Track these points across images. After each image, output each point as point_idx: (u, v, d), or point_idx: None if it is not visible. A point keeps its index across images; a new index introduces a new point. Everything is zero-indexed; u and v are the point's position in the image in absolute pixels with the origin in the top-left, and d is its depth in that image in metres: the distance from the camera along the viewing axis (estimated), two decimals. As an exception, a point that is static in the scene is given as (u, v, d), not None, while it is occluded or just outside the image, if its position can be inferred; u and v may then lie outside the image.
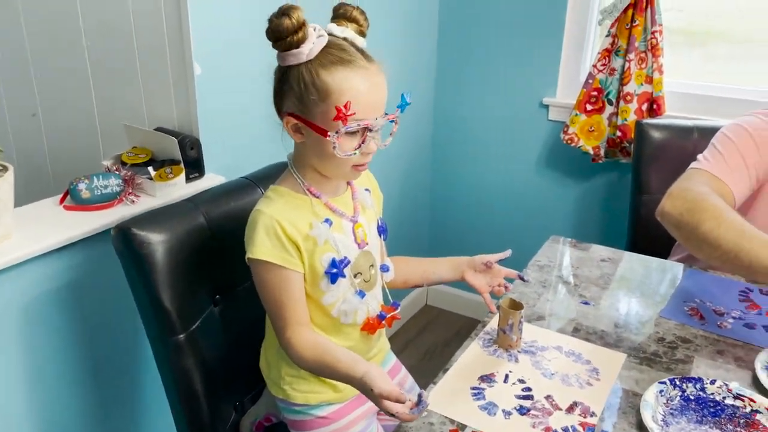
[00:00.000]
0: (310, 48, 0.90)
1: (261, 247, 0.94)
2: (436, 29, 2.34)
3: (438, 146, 2.51)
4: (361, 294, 1.04)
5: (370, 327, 1.04)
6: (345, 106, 0.88)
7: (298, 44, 0.89)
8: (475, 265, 1.15)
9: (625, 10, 1.90)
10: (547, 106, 2.23)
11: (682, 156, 1.65)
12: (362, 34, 0.97)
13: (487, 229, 2.52)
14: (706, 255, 1.13)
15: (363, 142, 0.93)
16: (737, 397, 0.93)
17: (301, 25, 0.88)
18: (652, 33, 1.89)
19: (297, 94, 0.92)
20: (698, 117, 1.90)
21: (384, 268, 1.11)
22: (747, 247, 1.02)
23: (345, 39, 0.93)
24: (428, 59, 2.36)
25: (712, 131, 1.65)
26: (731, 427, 0.89)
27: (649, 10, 1.88)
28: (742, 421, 0.90)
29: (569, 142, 2.08)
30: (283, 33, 0.88)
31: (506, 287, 1.14)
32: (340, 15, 0.96)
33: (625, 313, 1.19)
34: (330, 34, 0.93)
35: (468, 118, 2.41)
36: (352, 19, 0.96)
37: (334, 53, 0.91)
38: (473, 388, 0.96)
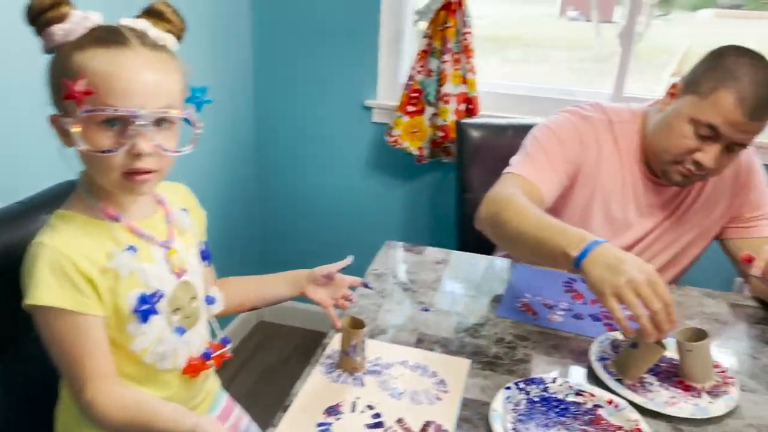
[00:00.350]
0: (70, 28, 0.74)
1: (44, 289, 0.76)
2: (249, 32, 2.20)
3: (263, 154, 2.37)
4: (181, 331, 0.89)
5: (193, 369, 0.90)
6: (77, 83, 0.72)
7: (51, 22, 0.74)
8: (316, 278, 1.06)
9: (438, 12, 1.92)
10: (369, 108, 2.20)
11: (501, 153, 1.70)
12: (177, 36, 0.82)
13: (322, 238, 2.44)
14: (517, 252, 1.18)
15: (125, 139, 0.76)
16: (578, 393, 0.94)
17: (58, 3, 0.73)
18: (464, 35, 1.94)
19: (53, 85, 0.76)
20: (510, 115, 1.99)
21: (210, 300, 0.97)
22: (546, 236, 1.05)
23: (133, 30, 0.78)
24: (243, 64, 2.21)
25: (524, 128, 1.71)
26: (577, 425, 0.89)
27: (459, 12, 1.92)
28: (586, 417, 0.90)
29: (394, 143, 2.06)
30: (36, 9, 0.73)
31: (350, 299, 1.07)
32: (150, 14, 0.81)
33: (464, 316, 1.17)
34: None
35: (291, 124, 2.31)
36: (165, 20, 0.81)
37: (96, 34, 0.76)
38: (319, 425, 0.86)
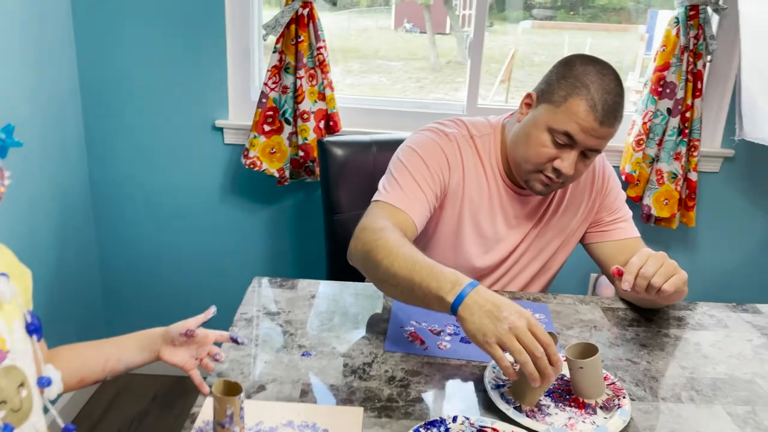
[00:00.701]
0: None
1: None
2: (73, 56, 1.94)
3: (99, 193, 2.11)
4: (8, 429, 0.70)
5: (27, 478, 0.71)
6: None
7: None
8: (172, 337, 0.91)
9: (288, 26, 1.82)
10: (221, 129, 2.04)
11: (366, 171, 1.65)
12: None
13: (178, 283, 2.22)
14: (392, 294, 1.10)
15: None
16: (481, 430, 0.89)
17: None
18: (318, 49, 1.85)
19: None
20: (371, 130, 1.94)
21: (44, 382, 0.78)
22: (417, 279, 1.00)
23: None
24: (70, 95, 1.94)
25: (388, 144, 1.68)
26: (486, 469, 0.83)
27: (311, 25, 1.83)
28: (494, 459, 0.85)
29: (252, 166, 1.92)
30: None
31: (218, 358, 0.93)
32: None
33: (349, 356, 1.07)
34: None
35: (131, 154, 2.07)
36: None
37: None
38: None
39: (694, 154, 1.91)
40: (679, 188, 1.94)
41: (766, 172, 2.10)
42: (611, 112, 1.16)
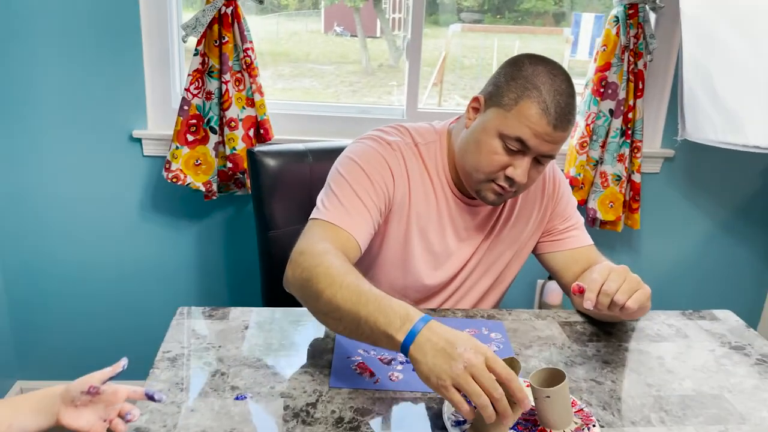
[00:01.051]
0: None
1: None
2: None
3: (6, 210, 1.89)
4: None
5: None
6: None
7: None
8: (73, 397, 0.76)
9: (211, 26, 1.67)
10: (139, 140, 1.86)
11: (302, 182, 1.52)
12: None
13: (93, 311, 2.01)
14: (334, 328, 0.98)
15: None
16: (443, 477, 0.78)
17: None
18: (245, 51, 1.71)
19: None
20: (305, 138, 1.82)
21: None
22: (364, 313, 0.90)
23: None
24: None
25: (324, 153, 1.56)
26: None
27: (236, 25, 1.69)
28: None
29: (175, 180, 1.76)
30: None
31: (130, 416, 0.78)
32: None
33: (290, 396, 0.95)
34: None
35: (39, 168, 1.86)
36: None
37: None
38: None
39: (637, 155, 1.88)
40: (623, 190, 1.91)
41: (705, 172, 2.11)
42: (565, 115, 1.09)
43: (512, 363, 0.88)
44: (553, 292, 2.12)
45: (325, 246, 1.04)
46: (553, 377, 0.90)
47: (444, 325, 0.86)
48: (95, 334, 2.01)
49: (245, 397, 0.94)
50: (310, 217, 1.15)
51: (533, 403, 0.90)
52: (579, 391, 1.00)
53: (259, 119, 1.77)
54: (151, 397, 0.78)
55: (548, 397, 0.87)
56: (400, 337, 0.85)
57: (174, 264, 1.99)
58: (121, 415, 0.78)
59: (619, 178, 1.90)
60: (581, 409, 0.93)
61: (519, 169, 1.11)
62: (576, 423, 0.90)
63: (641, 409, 0.97)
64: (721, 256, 2.22)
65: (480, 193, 1.17)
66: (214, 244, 1.99)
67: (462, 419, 0.90)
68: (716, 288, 2.27)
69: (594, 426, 0.89)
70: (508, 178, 1.12)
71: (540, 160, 1.13)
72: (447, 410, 0.90)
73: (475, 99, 1.17)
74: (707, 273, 2.24)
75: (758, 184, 2.16)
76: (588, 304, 1.02)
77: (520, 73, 1.10)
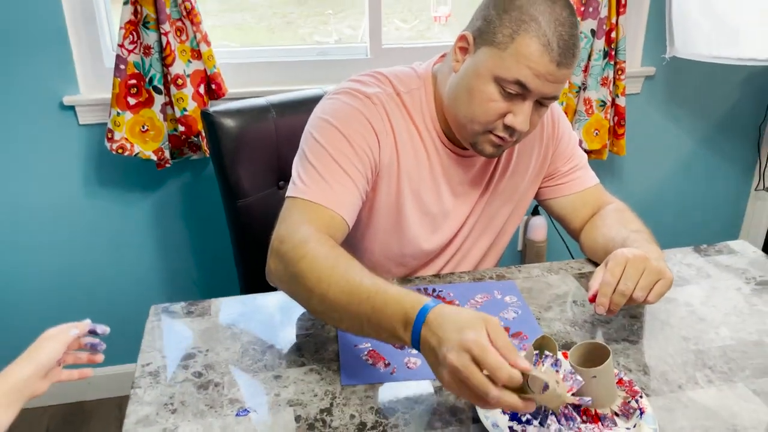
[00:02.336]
0: None
1: None
2: None
3: None
4: None
5: None
6: None
7: None
8: (49, 368, 0.75)
9: (140, -32, 1.43)
10: (72, 108, 1.63)
11: (267, 142, 1.36)
12: None
13: (38, 318, 1.81)
14: (335, 324, 0.89)
15: None
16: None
17: None
18: (183, -5, 1.48)
19: None
20: (262, 89, 1.63)
21: None
22: (363, 313, 0.79)
23: None
24: None
25: (288, 106, 1.40)
26: None
27: (166, -35, 1.45)
28: None
29: (121, 150, 1.56)
30: None
31: (99, 346, 0.81)
32: None
33: (300, 403, 0.82)
34: None
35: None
36: None
37: None
38: None
39: (621, 77, 1.76)
40: (608, 116, 1.80)
41: (687, 89, 2.02)
42: (569, 49, 0.94)
43: (546, 342, 0.78)
44: (538, 227, 2.04)
45: (307, 231, 0.91)
46: (593, 351, 0.80)
47: (443, 311, 0.73)
48: (41, 327, 1.83)
49: (248, 412, 0.81)
50: (287, 194, 1.00)
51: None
52: (614, 354, 0.91)
53: (208, 73, 1.56)
54: (93, 332, 0.79)
55: (594, 377, 0.77)
56: (408, 338, 0.76)
57: (131, 245, 1.81)
58: (84, 347, 0.80)
59: (603, 104, 1.78)
60: (621, 379, 0.84)
61: (520, 116, 0.97)
62: (620, 396, 0.82)
63: (684, 369, 0.89)
64: (705, 170, 2.18)
65: (476, 146, 1.03)
66: (174, 217, 1.81)
67: (514, 415, 0.80)
68: (701, 202, 2.23)
69: (641, 397, 0.81)
70: (508, 127, 0.98)
71: (542, 102, 0.99)
72: (481, 409, 0.80)
73: (462, 37, 1.00)
74: (692, 190, 2.19)
75: (737, 95, 2.09)
76: (600, 309, 0.90)
77: (512, 3, 0.94)
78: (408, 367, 0.89)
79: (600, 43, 1.71)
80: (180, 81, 1.52)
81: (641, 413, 0.79)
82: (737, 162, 2.20)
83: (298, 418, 0.80)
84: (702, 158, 2.15)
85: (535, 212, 2.05)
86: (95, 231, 1.77)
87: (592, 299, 0.92)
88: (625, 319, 1.00)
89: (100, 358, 0.82)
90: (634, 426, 0.77)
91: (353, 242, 1.11)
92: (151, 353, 0.92)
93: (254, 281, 1.31)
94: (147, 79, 1.52)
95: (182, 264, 1.86)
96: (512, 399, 0.67)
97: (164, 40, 1.48)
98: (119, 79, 1.50)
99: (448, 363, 0.69)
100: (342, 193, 0.98)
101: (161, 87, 1.54)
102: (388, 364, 0.90)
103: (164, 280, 1.86)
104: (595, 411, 0.80)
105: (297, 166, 1.03)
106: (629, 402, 0.81)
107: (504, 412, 0.80)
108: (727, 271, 1.13)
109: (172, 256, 1.85)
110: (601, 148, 1.84)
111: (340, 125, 1.01)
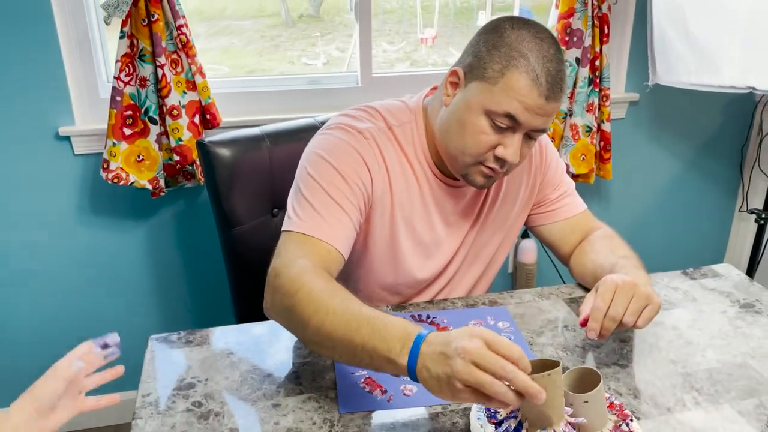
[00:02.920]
0: None
1: None
2: None
3: None
4: None
5: None
6: None
7: None
8: (53, 400, 0.74)
9: (136, 3, 1.47)
10: (67, 138, 1.65)
11: (261, 171, 1.38)
12: None
13: (34, 347, 1.82)
14: (330, 356, 0.90)
15: None
16: None
17: None
18: (179, 28, 1.52)
19: None
20: (255, 119, 1.66)
21: None
22: (359, 341, 0.81)
23: None
24: None
25: (282, 135, 1.43)
26: None
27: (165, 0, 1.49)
28: None
29: (116, 180, 1.58)
30: None
31: (114, 353, 0.81)
32: None
33: (299, 431, 0.84)
34: None
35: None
36: None
37: None
38: None
39: (606, 103, 1.81)
40: (594, 141, 1.84)
41: (671, 114, 2.08)
42: (557, 84, 0.98)
43: (552, 364, 0.80)
44: (528, 251, 2.07)
45: (303, 265, 0.92)
46: (585, 377, 0.82)
47: (442, 333, 0.77)
48: (39, 361, 1.83)
49: (248, 442, 0.82)
50: (283, 228, 1.02)
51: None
52: (605, 378, 0.94)
53: (203, 104, 1.59)
54: (105, 346, 0.78)
55: (587, 402, 0.79)
56: (403, 361, 0.77)
57: (125, 273, 1.82)
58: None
59: (589, 129, 1.83)
60: (612, 403, 0.86)
61: (510, 148, 1.00)
62: (611, 420, 0.84)
63: (673, 391, 0.91)
64: (689, 193, 2.22)
65: (467, 177, 1.06)
66: (168, 245, 1.82)
67: (500, 421, 0.81)
68: (687, 224, 2.27)
69: (632, 421, 0.83)
70: (498, 159, 1.02)
71: (531, 135, 1.03)
72: (474, 422, 0.82)
73: (453, 72, 1.04)
74: (677, 212, 2.24)
75: (719, 119, 2.14)
76: (591, 335, 0.93)
77: (502, 40, 0.98)
78: (404, 395, 0.91)
79: (585, 71, 1.76)
80: (175, 112, 1.54)
81: (632, 436, 0.81)
82: (721, 184, 2.25)
83: (297, 447, 0.81)
84: (687, 181, 2.20)
85: (525, 235, 2.08)
86: (90, 260, 1.78)
87: (583, 324, 0.94)
88: (615, 343, 1.02)
89: (121, 370, 0.80)
90: (626, 449, 0.80)
91: (348, 272, 1.13)
92: (150, 383, 0.93)
93: (249, 309, 1.33)
94: (143, 110, 1.55)
95: (177, 292, 1.87)
96: (526, 379, 0.70)
97: (160, 72, 1.51)
98: (115, 111, 1.53)
99: (461, 348, 0.71)
100: (337, 226, 1.01)
101: (157, 117, 1.56)
102: (385, 391, 0.91)
103: (159, 307, 1.87)
104: (587, 434, 0.82)
105: (292, 201, 1.05)
106: (620, 426, 0.83)
107: (497, 426, 0.82)
108: (712, 294, 1.16)
109: (167, 284, 1.86)
110: (588, 173, 1.88)
111: (333, 160, 1.04)
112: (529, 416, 0.77)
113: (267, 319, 1.00)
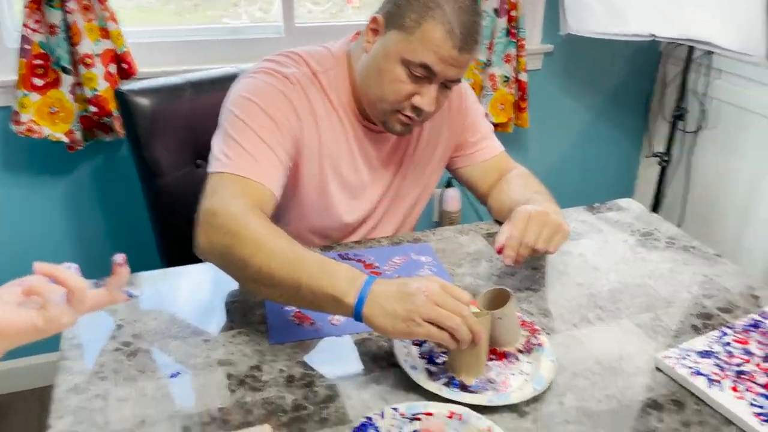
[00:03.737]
0: None
1: None
2: None
3: None
4: None
5: None
6: None
7: None
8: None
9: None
10: (-28, 90, 1.57)
11: (183, 120, 1.37)
12: None
13: None
14: (267, 295, 0.91)
15: None
16: (414, 418, 0.76)
17: None
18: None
19: None
20: (174, 69, 1.62)
21: None
22: (305, 278, 0.83)
23: None
24: None
25: (204, 85, 1.43)
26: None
27: (72, -59, 1.42)
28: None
29: (29, 133, 1.51)
30: None
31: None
32: None
33: (232, 363, 0.87)
34: None
35: None
36: None
37: None
38: None
39: (522, 54, 1.88)
40: (511, 91, 1.91)
41: (583, 65, 2.17)
42: (471, 35, 1.01)
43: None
44: (452, 199, 2.14)
45: (241, 205, 0.93)
46: (498, 296, 0.89)
47: (390, 282, 0.83)
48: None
49: (178, 374, 0.84)
50: (211, 170, 1.02)
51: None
52: (519, 301, 1.01)
53: (118, 52, 1.54)
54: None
55: (500, 318, 0.86)
56: (351, 299, 0.81)
57: (44, 233, 1.76)
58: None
59: (507, 79, 1.89)
60: (524, 321, 0.94)
61: (426, 97, 1.04)
62: (523, 335, 0.91)
63: (579, 310, 0.99)
64: (600, 140, 2.35)
65: (386, 124, 1.10)
66: (88, 200, 1.77)
67: (412, 357, 0.87)
68: (598, 169, 2.41)
69: (540, 334, 0.91)
70: (415, 108, 1.05)
71: (447, 84, 1.07)
72: (400, 353, 0.87)
73: (374, 19, 1.06)
74: (589, 158, 2.37)
75: (626, 69, 2.27)
76: (508, 261, 1.00)
77: None
78: (332, 324, 0.95)
79: (502, 22, 1.82)
80: (88, 60, 1.49)
81: (540, 348, 0.88)
82: (629, 132, 2.39)
83: (229, 376, 0.84)
84: (597, 129, 2.33)
85: (449, 184, 2.15)
86: (4, 218, 1.71)
87: (500, 251, 1.01)
88: (528, 271, 1.10)
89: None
90: (535, 360, 0.87)
91: (278, 216, 1.15)
92: (75, 328, 0.93)
93: (176, 258, 1.33)
94: (54, 59, 1.49)
95: (99, 246, 1.83)
96: (476, 321, 0.79)
97: (70, 18, 1.44)
98: (24, 60, 1.46)
99: (424, 288, 0.78)
100: (268, 167, 1.02)
101: (69, 67, 1.50)
102: (314, 322, 0.95)
103: (82, 264, 1.82)
104: (502, 350, 0.89)
105: (219, 143, 1.04)
106: (530, 340, 0.90)
107: (422, 357, 0.87)
108: (616, 225, 1.26)
109: (88, 241, 1.81)
110: (506, 122, 1.96)
111: (261, 102, 1.04)
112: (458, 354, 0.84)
113: (196, 262, 1.01)
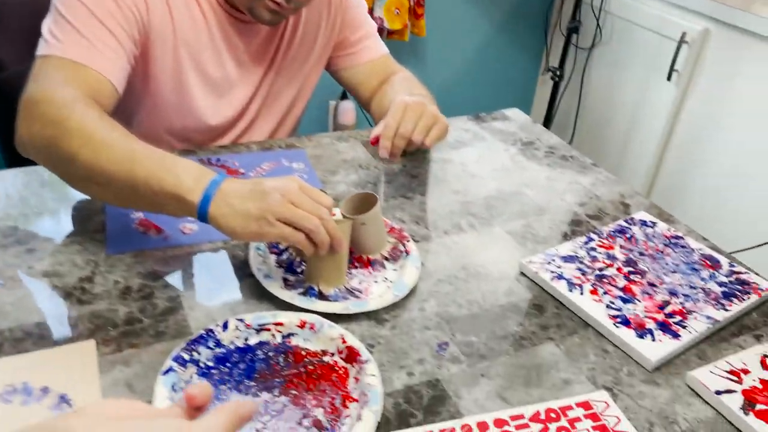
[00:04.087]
0: None
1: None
2: None
3: None
4: None
5: None
6: None
7: None
8: None
9: None
10: None
11: (26, 10, 1.19)
12: None
13: None
14: (99, 195, 0.80)
15: None
16: (262, 328, 0.69)
17: None
18: None
19: None
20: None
21: None
22: (142, 175, 0.72)
23: None
24: None
25: None
26: (275, 380, 0.65)
27: None
28: (280, 359, 0.67)
29: None
30: None
31: None
32: None
33: (57, 274, 0.76)
34: None
35: None
36: None
37: None
38: None
39: (419, -45, 1.77)
40: (407, -5, 1.81)
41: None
42: None
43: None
44: (348, 111, 2.05)
45: (70, 92, 0.80)
46: (365, 202, 0.82)
47: (241, 181, 0.73)
48: None
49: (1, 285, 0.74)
50: (38, 53, 0.87)
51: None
52: (391, 209, 0.96)
53: None
54: None
55: (363, 224, 0.80)
56: (195, 197, 0.71)
57: None
58: None
59: (403, -18, 1.78)
60: (393, 227, 0.88)
61: None
62: (390, 242, 0.86)
63: (451, 217, 0.95)
64: (499, 54, 2.31)
65: (253, 11, 0.97)
66: None
67: (290, 266, 0.80)
68: (496, 84, 2.38)
69: (408, 242, 0.86)
70: None
71: None
72: (254, 260, 0.79)
73: None
74: (487, 72, 2.32)
75: (529, -17, 2.21)
76: (383, 152, 0.95)
77: None
78: (183, 233, 0.86)
79: None
80: None
81: (407, 255, 0.84)
82: (528, 46, 2.36)
83: (54, 287, 0.74)
84: (497, 42, 2.27)
85: (344, 96, 2.05)
86: None
87: (374, 142, 0.96)
88: (405, 178, 1.04)
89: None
90: (401, 267, 0.82)
91: (129, 115, 1.03)
92: None
93: (20, 161, 1.18)
94: None
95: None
96: (335, 225, 0.72)
97: None
98: None
99: (280, 187, 0.70)
100: (107, 53, 0.88)
101: None
102: (161, 230, 0.85)
103: None
104: (367, 257, 0.83)
105: (49, 25, 0.89)
106: (397, 246, 0.85)
107: (279, 265, 0.81)
108: (500, 134, 1.22)
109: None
110: (402, 29, 1.86)
111: None
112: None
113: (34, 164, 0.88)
